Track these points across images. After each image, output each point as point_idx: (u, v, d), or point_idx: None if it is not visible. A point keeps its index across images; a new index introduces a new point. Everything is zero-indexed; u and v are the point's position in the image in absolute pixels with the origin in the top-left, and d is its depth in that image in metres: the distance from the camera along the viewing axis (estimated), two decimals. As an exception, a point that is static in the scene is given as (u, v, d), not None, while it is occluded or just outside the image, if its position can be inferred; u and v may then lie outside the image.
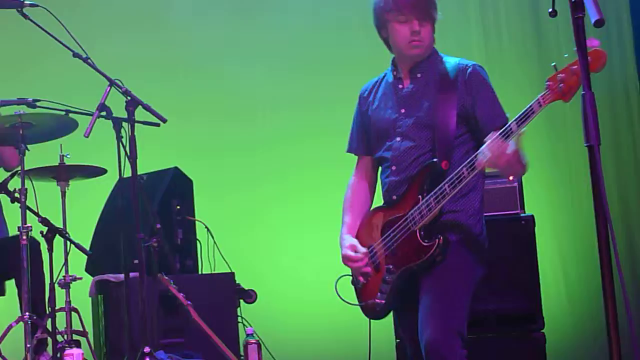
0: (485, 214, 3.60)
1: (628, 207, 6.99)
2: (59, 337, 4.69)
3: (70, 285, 4.82)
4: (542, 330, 4.67)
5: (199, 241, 5.58)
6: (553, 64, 2.61)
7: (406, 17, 3.44)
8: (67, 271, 4.81)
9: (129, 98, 4.35)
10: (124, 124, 4.42)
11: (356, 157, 3.76)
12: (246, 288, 5.23)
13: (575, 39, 2.19)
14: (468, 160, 3.18)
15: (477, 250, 3.50)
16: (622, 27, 7.42)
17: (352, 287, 3.62)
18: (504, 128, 3.05)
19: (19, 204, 4.79)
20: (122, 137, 4.40)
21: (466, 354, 3.33)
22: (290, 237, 6.19)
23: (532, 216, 4.83)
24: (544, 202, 5.61)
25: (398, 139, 3.46)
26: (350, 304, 3.59)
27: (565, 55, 2.52)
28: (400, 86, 3.54)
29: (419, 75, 3.51)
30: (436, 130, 3.43)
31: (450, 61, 3.55)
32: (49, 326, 4.68)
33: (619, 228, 6.73)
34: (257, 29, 7.45)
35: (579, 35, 2.18)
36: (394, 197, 3.48)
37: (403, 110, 3.48)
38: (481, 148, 3.11)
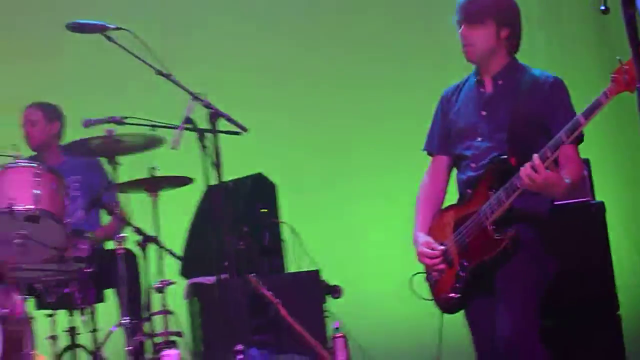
0: (555, 202, 3.57)
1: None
2: (157, 339, 4.81)
3: (166, 289, 4.89)
4: (618, 313, 4.59)
5: (285, 242, 5.58)
6: (618, 57, 2.57)
7: (460, 24, 3.58)
8: (162, 276, 4.92)
9: (211, 110, 4.37)
10: (208, 135, 4.47)
11: (430, 157, 3.80)
12: (331, 284, 5.25)
13: (627, 34, 2.08)
14: (540, 153, 3.14)
15: (549, 241, 3.48)
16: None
17: (427, 283, 3.68)
18: (557, 140, 3.11)
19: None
20: (206, 147, 4.39)
21: (543, 346, 3.37)
22: (370, 234, 6.12)
23: (602, 202, 4.71)
24: (613, 188, 5.45)
25: (479, 139, 3.52)
26: (425, 299, 3.64)
27: (603, 8, 2.27)
28: (482, 90, 3.59)
29: (500, 82, 3.55)
30: (512, 133, 3.47)
31: (532, 72, 3.59)
32: (147, 329, 4.86)
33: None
34: (333, 36, 7.39)
35: (629, 30, 2.04)
36: (469, 191, 3.50)
37: (484, 113, 3.55)
38: (530, 165, 3.14)
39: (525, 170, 3.12)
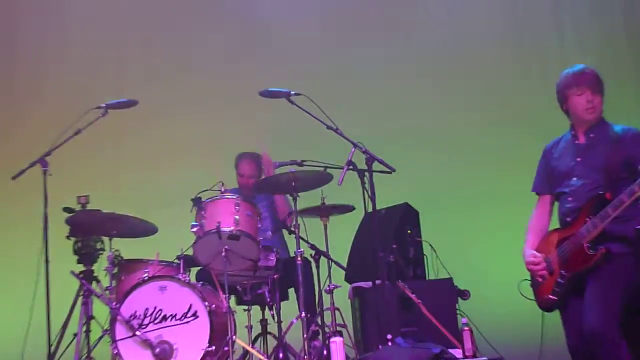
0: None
1: None
2: (327, 329, 5.34)
3: (334, 291, 5.42)
4: None
5: (426, 256, 5.90)
6: None
7: (582, 91, 3.99)
8: (330, 281, 5.42)
9: (367, 156, 4.94)
10: (366, 174, 4.97)
11: (537, 196, 4.33)
12: (462, 289, 5.49)
13: None
14: (629, 189, 3.59)
15: (636, 256, 3.82)
16: None
17: (531, 288, 4.13)
18: None
19: (295, 236, 5.37)
20: (365, 183, 4.95)
21: (623, 342, 3.73)
22: (491, 250, 6.35)
23: None
24: None
25: (575, 179, 3.99)
26: (530, 299, 4.12)
27: None
28: (577, 142, 4.08)
29: (592, 135, 4.03)
30: (605, 173, 3.89)
31: (616, 126, 4.05)
32: (319, 321, 5.40)
33: None
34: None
35: None
36: (568, 220, 3.98)
37: (579, 159, 4.01)
38: (624, 195, 3.59)
39: (622, 197, 3.61)
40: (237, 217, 5.12)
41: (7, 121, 7.59)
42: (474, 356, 4.80)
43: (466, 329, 4.87)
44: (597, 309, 3.73)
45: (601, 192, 3.80)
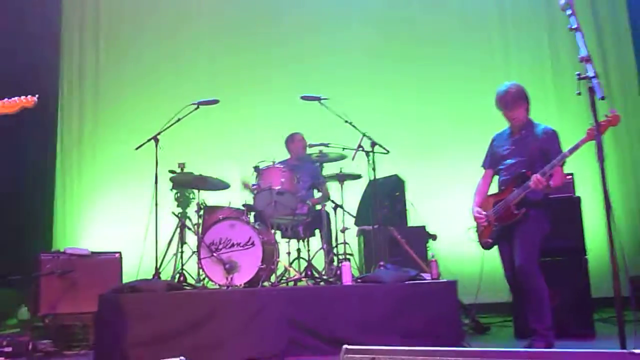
0: (550, 195, 4.21)
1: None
2: (340, 256, 5.48)
3: (345, 231, 5.48)
4: (585, 257, 4.84)
5: (408, 210, 5.90)
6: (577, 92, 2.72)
7: (503, 111, 4.21)
8: (343, 224, 5.50)
9: (371, 141, 5.26)
10: (370, 153, 5.25)
11: (483, 170, 4.48)
12: (432, 233, 5.60)
13: (590, 103, 2.62)
14: (542, 170, 3.84)
15: (546, 215, 4.09)
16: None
17: (476, 233, 4.32)
18: (552, 164, 3.82)
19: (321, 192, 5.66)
20: (369, 159, 5.26)
21: (541, 274, 3.95)
22: (453, 206, 6.05)
23: (579, 197, 4.98)
24: (587, 187, 5.37)
25: (508, 160, 4.21)
26: (473, 240, 4.33)
27: (578, 93, 2.68)
28: (512, 137, 4.26)
29: (522, 132, 4.20)
30: (528, 158, 4.10)
31: (539, 125, 4.18)
32: (335, 251, 5.53)
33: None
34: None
35: (594, 112, 2.63)
36: (502, 188, 4.20)
37: (513, 147, 4.20)
38: (535, 177, 3.83)
39: (535, 179, 3.85)
40: (283, 180, 5.33)
41: (134, 109, 7.65)
42: (438, 278, 4.84)
43: (433, 260, 4.95)
44: (523, 251, 4.01)
45: (524, 171, 4.06)
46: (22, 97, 2.54)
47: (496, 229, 4.15)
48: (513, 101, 4.16)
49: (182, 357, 1.83)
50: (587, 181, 5.56)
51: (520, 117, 4.19)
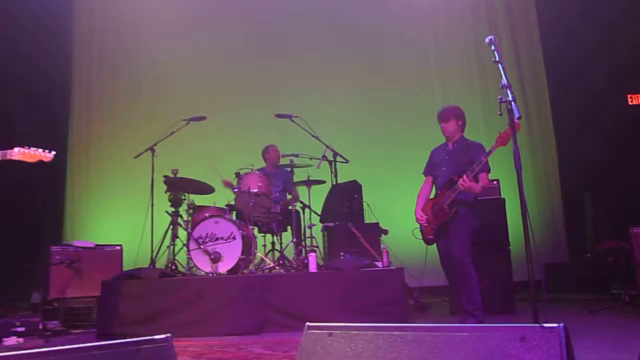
0: (480, 198, 4.25)
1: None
2: (307, 248, 5.34)
3: (312, 227, 5.44)
4: (509, 247, 4.94)
5: (364, 210, 5.74)
6: (500, 113, 2.67)
7: (440, 124, 4.22)
8: (310, 221, 5.47)
9: (333, 152, 5.32)
10: (332, 162, 5.35)
11: (424, 177, 4.44)
12: (384, 228, 5.49)
13: (509, 121, 2.66)
14: (465, 175, 3.85)
15: (474, 213, 4.11)
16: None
17: (420, 232, 4.30)
18: (472, 168, 3.82)
19: (292, 195, 5.57)
20: (332, 167, 5.35)
21: (472, 262, 3.96)
22: (401, 205, 5.63)
23: (504, 199, 5.08)
24: (509, 192, 5.13)
25: (443, 168, 4.23)
26: (418, 238, 4.33)
27: (499, 114, 2.65)
28: (447, 148, 4.28)
29: (455, 145, 4.22)
30: (456, 166, 4.11)
31: (468, 141, 4.19)
32: (303, 243, 5.41)
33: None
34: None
35: (510, 119, 2.64)
36: (438, 192, 4.21)
37: (447, 157, 4.25)
38: (460, 179, 3.86)
39: (460, 181, 3.89)
40: (259, 184, 5.32)
41: (133, 123, 7.57)
42: (388, 266, 4.88)
43: (384, 251, 5.01)
44: (456, 243, 4.01)
45: (453, 177, 4.07)
46: (42, 152, 2.50)
47: (435, 227, 4.15)
48: (449, 116, 4.20)
49: (168, 335, 1.80)
50: (511, 186, 5.30)
51: (452, 130, 4.20)
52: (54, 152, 2.54)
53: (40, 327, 4.66)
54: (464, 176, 3.85)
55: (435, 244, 4.26)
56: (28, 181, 6.36)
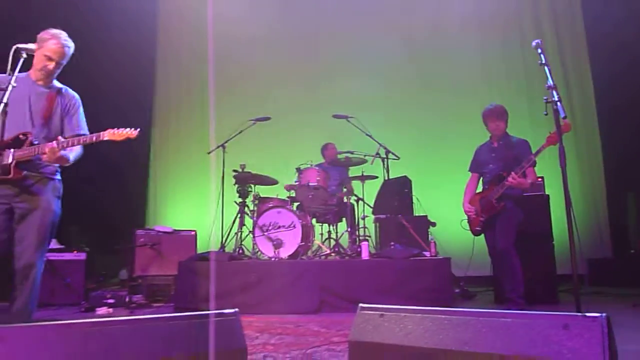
0: (525, 194, 4.16)
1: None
2: (360, 237, 5.26)
3: (365, 218, 5.40)
4: (552, 242, 4.70)
5: (414, 203, 5.64)
6: (545, 112, 2.55)
7: (492, 120, 4.10)
8: (364, 213, 5.43)
9: (385, 149, 5.25)
10: (384, 159, 5.26)
11: (470, 174, 4.36)
12: (432, 220, 5.43)
13: (555, 121, 2.54)
14: (515, 171, 3.76)
15: (519, 207, 3.99)
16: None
17: (467, 224, 4.24)
18: (521, 166, 3.73)
19: (347, 189, 5.58)
20: (384, 163, 5.23)
21: (516, 253, 3.85)
22: (448, 197, 5.80)
23: (549, 195, 4.81)
24: (553, 188, 4.86)
25: (490, 165, 4.15)
26: (466, 229, 4.25)
27: (545, 113, 2.54)
28: (492, 145, 4.19)
29: (500, 142, 4.13)
30: (503, 162, 4.03)
31: (513, 138, 4.10)
32: (357, 233, 5.37)
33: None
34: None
35: (556, 118, 2.53)
36: (485, 187, 4.14)
37: (493, 155, 4.16)
38: (510, 176, 3.75)
39: (510, 178, 3.80)
40: (318, 178, 5.37)
41: (207, 121, 7.66)
42: (435, 256, 4.78)
43: (432, 242, 4.91)
44: (502, 235, 3.92)
45: (501, 173, 3.99)
46: (128, 130, 2.65)
47: (483, 219, 4.07)
48: (496, 115, 4.11)
49: (236, 309, 1.85)
50: (556, 183, 5.15)
51: (500, 129, 4.11)
52: (139, 129, 2.68)
53: (127, 300, 4.85)
54: (513, 173, 3.76)
55: (482, 236, 4.16)
56: (119, 175, 6.77)
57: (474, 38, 7.45)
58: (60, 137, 2.73)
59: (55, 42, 2.76)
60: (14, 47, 2.54)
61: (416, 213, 5.66)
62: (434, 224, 5.41)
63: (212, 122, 7.35)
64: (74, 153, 2.85)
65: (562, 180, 2.43)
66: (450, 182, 5.78)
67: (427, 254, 4.86)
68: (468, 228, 4.23)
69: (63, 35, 2.81)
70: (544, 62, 2.65)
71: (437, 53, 7.43)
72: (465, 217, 4.23)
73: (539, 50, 2.71)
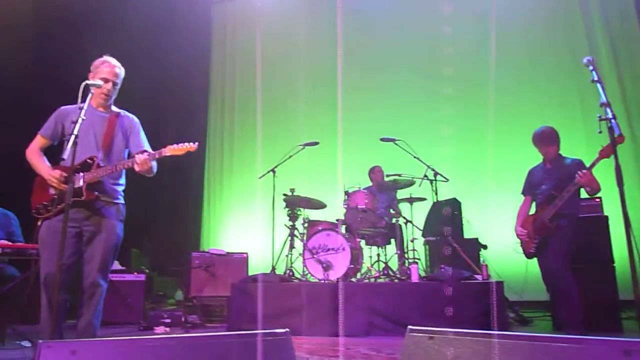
0: (582, 215, 4.03)
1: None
2: (409, 260, 5.25)
3: (414, 241, 5.35)
4: (613, 265, 4.47)
5: (464, 225, 5.58)
6: (599, 131, 2.51)
7: (539, 148, 4.05)
8: (412, 235, 5.41)
9: (434, 172, 5.20)
10: (433, 181, 5.22)
11: (523, 196, 4.27)
12: (483, 243, 5.30)
13: (610, 139, 2.47)
14: (565, 190, 3.68)
15: (575, 226, 3.87)
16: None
17: (520, 247, 4.12)
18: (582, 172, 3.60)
19: (395, 212, 5.59)
20: (432, 185, 5.20)
21: (571, 275, 3.72)
22: (501, 221, 5.56)
23: (607, 216, 4.61)
24: (611, 208, 4.58)
25: (543, 186, 4.06)
26: (519, 252, 4.12)
27: (599, 132, 2.50)
28: (545, 167, 4.13)
29: (554, 163, 4.05)
30: (558, 182, 3.92)
31: (566, 159, 4.01)
32: (406, 255, 5.35)
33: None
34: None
35: (611, 136, 2.47)
36: (538, 208, 4.04)
37: (546, 176, 4.07)
38: (579, 172, 3.63)
39: (578, 175, 3.64)
40: (366, 201, 5.35)
41: (257, 146, 7.79)
42: (487, 279, 4.67)
43: (484, 265, 4.84)
44: (556, 255, 3.82)
45: (553, 192, 3.90)
46: (188, 144, 2.81)
47: (536, 241, 3.97)
48: (547, 140, 4.04)
49: (287, 329, 1.88)
50: (614, 204, 5.04)
51: (551, 152, 4.04)
52: (197, 143, 2.83)
53: (183, 319, 4.95)
54: (579, 172, 3.67)
55: (536, 258, 4.04)
56: (176, 200, 7.10)
57: (523, 56, 7.32)
58: (148, 151, 2.97)
59: (107, 64, 2.98)
60: (83, 83, 2.72)
61: (467, 236, 5.55)
62: (485, 247, 5.26)
63: (259, 147, 7.52)
64: (155, 165, 3.02)
65: (620, 199, 2.35)
66: (502, 204, 5.70)
67: (479, 277, 4.74)
68: (521, 251, 4.12)
69: (112, 59, 3.03)
70: (596, 79, 2.60)
71: (486, 69, 7.23)
72: (518, 241, 4.12)
73: (591, 67, 2.67)
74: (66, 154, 2.56)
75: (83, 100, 2.64)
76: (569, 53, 7.11)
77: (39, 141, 3.01)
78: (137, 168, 2.86)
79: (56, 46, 5.99)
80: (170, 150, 2.81)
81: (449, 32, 7.07)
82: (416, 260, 5.29)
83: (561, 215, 3.82)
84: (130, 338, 1.74)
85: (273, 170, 5.57)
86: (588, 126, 6.72)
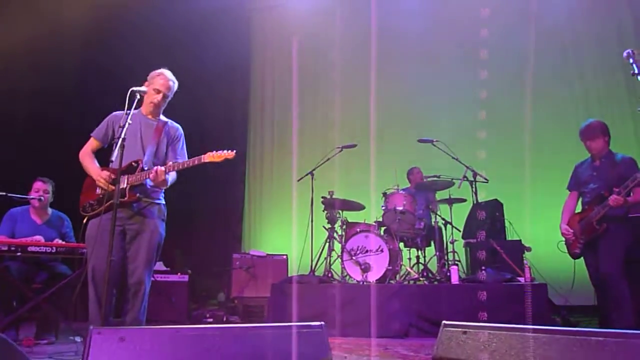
0: (631, 215, 3.88)
1: None
2: (450, 262, 5.11)
3: (454, 242, 5.18)
4: None
5: (506, 227, 5.46)
6: None
7: (586, 143, 3.95)
8: (452, 237, 5.22)
9: (473, 172, 5.12)
10: (473, 182, 5.15)
11: (569, 192, 4.17)
12: (526, 245, 5.21)
13: None
14: (616, 191, 3.63)
15: (626, 229, 3.77)
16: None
17: (565, 246, 4.07)
18: (626, 184, 3.58)
19: (435, 213, 5.43)
20: (472, 186, 5.15)
21: (624, 279, 3.60)
22: (545, 220, 5.57)
23: None
24: None
25: (591, 184, 3.97)
26: (563, 252, 4.07)
27: None
28: (594, 164, 4.00)
29: (603, 160, 3.93)
30: (607, 182, 3.85)
31: (617, 155, 3.90)
32: (446, 257, 5.23)
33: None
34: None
35: None
36: (586, 207, 3.95)
37: (595, 174, 3.95)
38: (613, 197, 3.59)
39: (611, 197, 3.66)
40: (405, 202, 5.30)
41: (296, 149, 7.81)
42: (531, 282, 4.55)
43: (527, 266, 4.72)
44: (607, 259, 3.71)
45: (602, 192, 3.82)
46: (226, 151, 2.91)
47: (582, 242, 3.90)
48: (593, 133, 3.92)
49: (323, 322, 1.93)
50: None
51: (599, 147, 3.92)
52: (235, 150, 2.93)
53: (224, 319, 5.09)
54: (614, 195, 3.60)
55: (582, 259, 3.95)
56: (215, 203, 7.20)
57: (565, 52, 7.16)
58: (169, 162, 3.09)
59: (163, 77, 3.17)
60: (130, 90, 2.89)
61: (509, 237, 5.46)
62: (528, 249, 5.17)
63: (295, 150, 7.61)
64: (170, 177, 3.16)
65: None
66: (545, 206, 5.58)
67: (522, 279, 4.63)
68: (566, 250, 4.05)
69: (169, 72, 3.23)
70: (637, 72, 2.60)
71: (527, 69, 7.15)
72: (563, 239, 4.05)
73: (631, 60, 2.66)
74: (114, 156, 2.71)
75: (130, 106, 2.79)
76: (616, 45, 6.88)
77: (91, 143, 3.21)
78: (150, 177, 2.96)
79: (106, 56, 6.36)
80: (209, 157, 2.91)
81: (487, 34, 6.93)
82: (456, 262, 5.20)
83: (611, 218, 3.72)
84: (175, 327, 1.84)
85: (312, 173, 5.63)
86: (638, 122, 6.49)
